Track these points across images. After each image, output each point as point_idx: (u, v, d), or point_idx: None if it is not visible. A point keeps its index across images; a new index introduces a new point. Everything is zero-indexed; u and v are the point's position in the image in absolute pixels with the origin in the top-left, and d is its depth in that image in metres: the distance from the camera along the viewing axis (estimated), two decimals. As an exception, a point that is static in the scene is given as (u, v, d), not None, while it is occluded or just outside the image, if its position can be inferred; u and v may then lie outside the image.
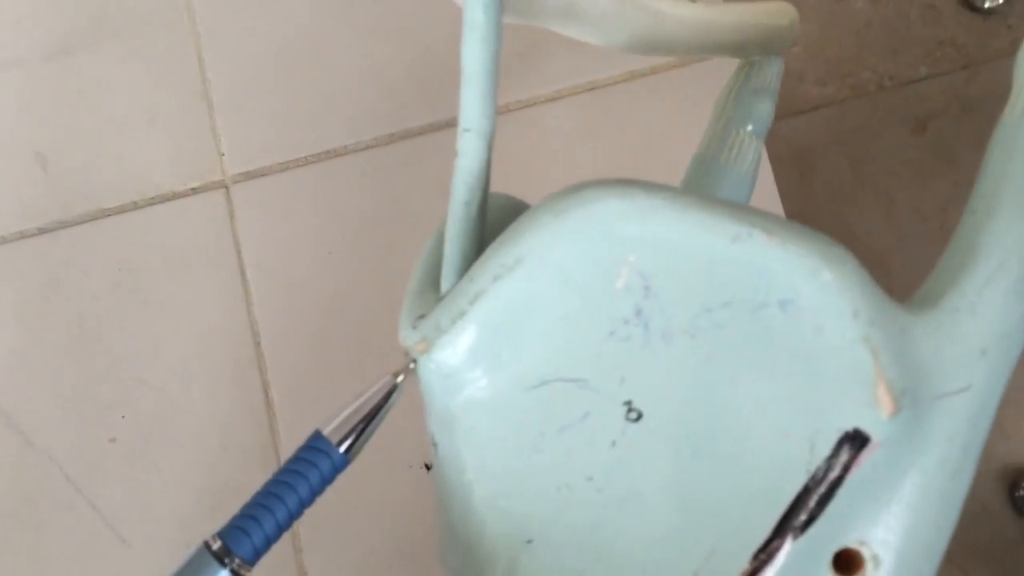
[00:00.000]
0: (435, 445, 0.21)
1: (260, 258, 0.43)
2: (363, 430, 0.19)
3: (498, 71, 0.21)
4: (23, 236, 0.44)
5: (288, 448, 0.41)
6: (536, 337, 0.20)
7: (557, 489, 0.20)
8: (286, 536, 0.41)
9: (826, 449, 0.19)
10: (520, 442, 0.20)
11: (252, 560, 0.17)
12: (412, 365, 0.20)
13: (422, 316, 0.21)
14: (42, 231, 0.44)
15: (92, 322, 0.43)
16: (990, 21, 0.56)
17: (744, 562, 0.19)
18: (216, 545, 0.17)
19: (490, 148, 0.22)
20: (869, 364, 0.18)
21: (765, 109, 0.29)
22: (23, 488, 0.42)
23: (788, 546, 0.19)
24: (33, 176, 0.44)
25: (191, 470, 0.42)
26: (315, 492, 0.18)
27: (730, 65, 0.41)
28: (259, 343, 0.42)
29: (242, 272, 0.43)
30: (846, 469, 0.19)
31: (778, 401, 0.19)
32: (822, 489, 0.19)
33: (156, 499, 0.41)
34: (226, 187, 0.43)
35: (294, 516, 0.18)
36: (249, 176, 0.43)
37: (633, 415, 0.20)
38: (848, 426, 0.18)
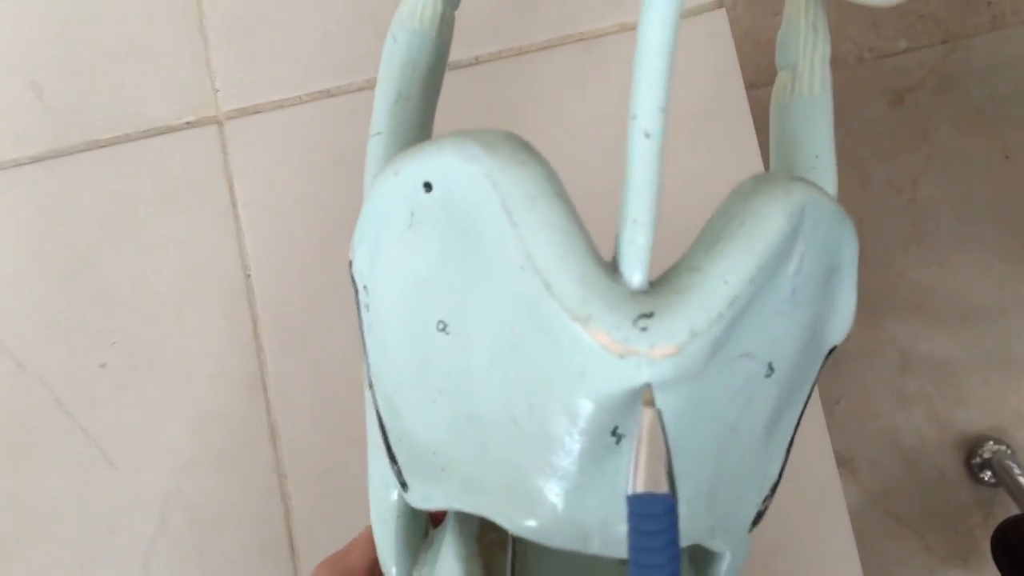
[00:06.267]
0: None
1: (252, 193, 0.43)
2: (662, 463, 0.18)
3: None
4: (17, 164, 0.44)
5: (276, 378, 0.42)
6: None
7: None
8: (270, 462, 0.42)
9: None
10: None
11: None
12: (650, 385, 0.20)
13: None
14: (36, 160, 0.44)
15: (84, 251, 0.44)
16: (970, -3, 0.57)
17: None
18: None
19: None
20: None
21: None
22: (14, 411, 0.43)
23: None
24: (28, 104, 0.45)
25: (179, 397, 0.43)
26: (674, 542, 0.17)
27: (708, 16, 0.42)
28: (249, 275, 0.43)
29: (234, 206, 0.43)
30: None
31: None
32: None
33: (144, 424, 0.42)
34: (219, 123, 0.44)
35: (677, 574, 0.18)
36: (243, 113, 0.44)
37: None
38: None
